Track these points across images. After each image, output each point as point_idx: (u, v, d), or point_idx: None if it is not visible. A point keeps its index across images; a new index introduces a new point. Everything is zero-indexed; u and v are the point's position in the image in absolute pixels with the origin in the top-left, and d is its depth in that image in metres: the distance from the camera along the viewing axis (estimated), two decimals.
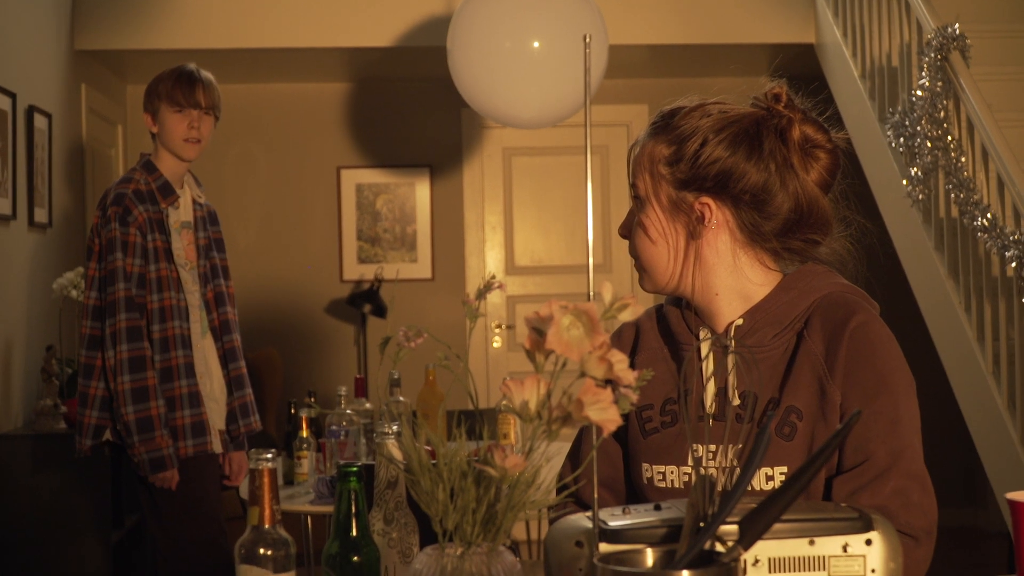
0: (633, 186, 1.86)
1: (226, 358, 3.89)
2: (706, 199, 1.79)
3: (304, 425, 4.00)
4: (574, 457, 1.96)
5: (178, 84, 3.85)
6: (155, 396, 3.62)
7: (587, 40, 1.34)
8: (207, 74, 3.91)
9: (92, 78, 6.31)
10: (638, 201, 1.86)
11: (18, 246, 5.07)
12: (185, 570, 3.72)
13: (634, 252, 1.87)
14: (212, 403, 3.81)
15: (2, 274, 4.87)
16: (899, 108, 5.19)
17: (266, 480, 1.50)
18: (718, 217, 1.80)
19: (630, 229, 1.88)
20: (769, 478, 1.73)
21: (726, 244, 1.81)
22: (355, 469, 1.57)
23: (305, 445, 4.00)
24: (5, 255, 4.91)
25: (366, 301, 6.82)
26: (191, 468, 3.71)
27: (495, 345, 7.26)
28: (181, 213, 3.81)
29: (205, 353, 3.82)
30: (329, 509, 3.61)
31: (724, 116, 1.80)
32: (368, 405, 4.27)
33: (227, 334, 3.89)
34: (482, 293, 1.33)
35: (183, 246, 3.79)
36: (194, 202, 3.88)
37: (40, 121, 5.33)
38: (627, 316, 1.27)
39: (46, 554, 4.77)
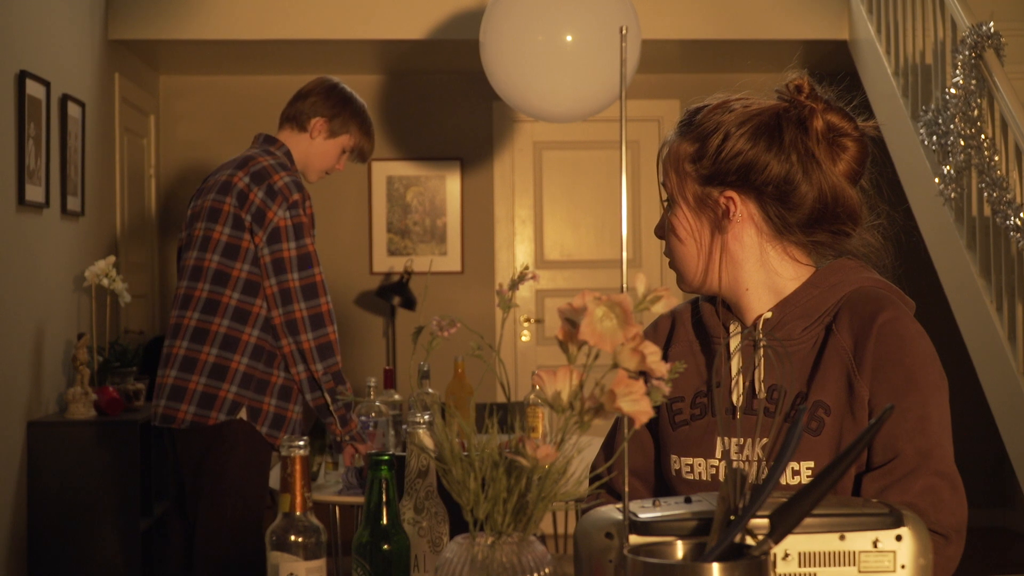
0: (663, 187, 1.87)
1: None
2: (730, 193, 1.79)
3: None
4: (608, 447, 1.96)
5: (370, 140, 3.95)
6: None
7: (623, 32, 1.34)
8: None
9: (125, 68, 6.34)
10: (668, 202, 1.86)
11: (51, 234, 5.10)
12: (224, 553, 3.72)
13: (667, 252, 1.88)
14: None
15: (34, 262, 4.90)
16: (932, 106, 5.17)
17: (298, 467, 1.51)
18: (743, 211, 1.80)
19: (665, 230, 1.88)
20: (795, 472, 1.72)
21: (752, 238, 1.81)
22: (387, 458, 1.58)
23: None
24: (38, 243, 4.94)
25: (395, 293, 6.83)
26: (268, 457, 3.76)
27: (524, 339, 7.27)
28: None
29: None
30: (357, 500, 3.62)
31: (746, 110, 1.80)
32: (397, 396, 4.28)
33: None
34: (516, 284, 1.33)
35: None
36: None
37: (74, 110, 5.37)
38: (660, 308, 1.27)
39: (76, 541, 4.80)
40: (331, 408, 3.66)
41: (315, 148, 3.87)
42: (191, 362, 3.65)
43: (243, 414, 3.65)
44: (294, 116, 3.88)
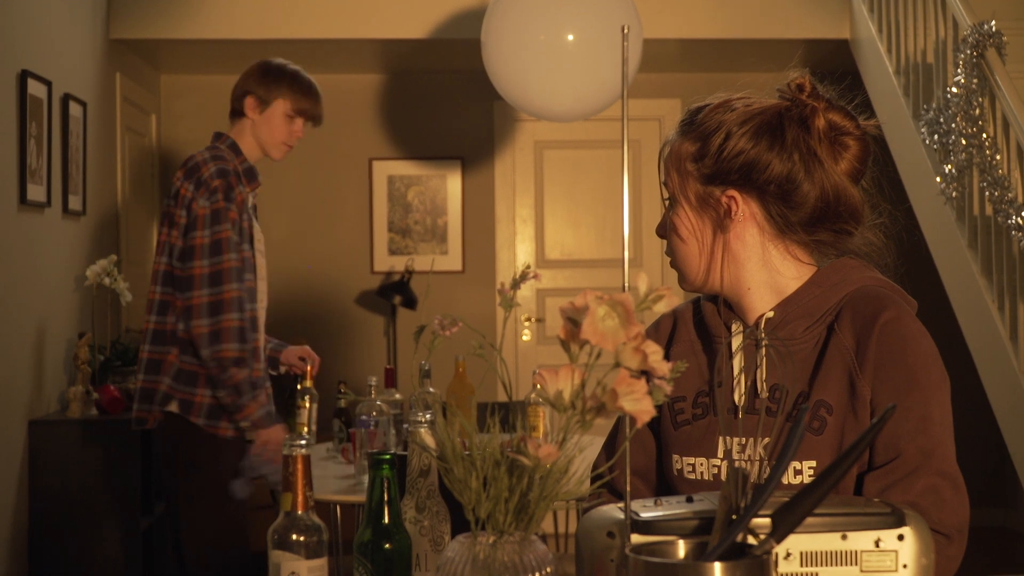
0: (664, 186, 1.87)
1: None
2: (732, 192, 1.79)
3: (308, 375, 4.00)
4: (610, 447, 1.96)
5: (308, 96, 3.90)
6: (258, 359, 3.68)
7: (625, 31, 1.34)
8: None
9: (127, 67, 6.34)
10: (669, 201, 1.86)
11: (52, 233, 5.10)
12: (210, 557, 3.72)
13: (669, 252, 1.88)
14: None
15: (36, 261, 4.90)
16: (934, 105, 5.17)
17: (299, 466, 1.51)
18: (744, 210, 1.80)
19: (666, 229, 1.88)
20: (797, 472, 1.72)
21: (755, 237, 1.81)
22: (388, 457, 1.58)
23: (307, 395, 3.97)
24: (39, 242, 4.94)
25: (396, 292, 6.83)
26: (238, 449, 3.75)
27: (524, 338, 7.26)
28: (252, 200, 3.86)
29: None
30: (356, 499, 3.63)
31: (748, 109, 1.80)
32: (398, 396, 4.28)
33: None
34: (517, 283, 1.33)
35: (258, 232, 3.83)
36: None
37: (75, 109, 5.36)
38: (662, 307, 1.27)
39: (76, 539, 4.80)
40: (217, 396, 3.63)
41: (259, 125, 3.88)
42: (156, 364, 3.69)
43: (174, 407, 3.65)
44: (232, 104, 3.93)
